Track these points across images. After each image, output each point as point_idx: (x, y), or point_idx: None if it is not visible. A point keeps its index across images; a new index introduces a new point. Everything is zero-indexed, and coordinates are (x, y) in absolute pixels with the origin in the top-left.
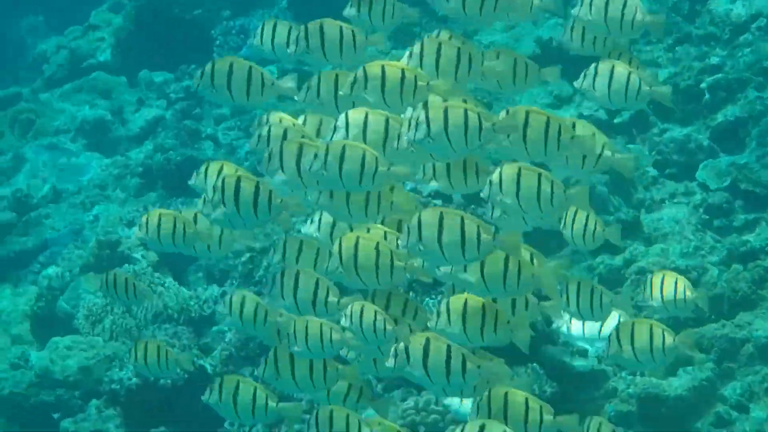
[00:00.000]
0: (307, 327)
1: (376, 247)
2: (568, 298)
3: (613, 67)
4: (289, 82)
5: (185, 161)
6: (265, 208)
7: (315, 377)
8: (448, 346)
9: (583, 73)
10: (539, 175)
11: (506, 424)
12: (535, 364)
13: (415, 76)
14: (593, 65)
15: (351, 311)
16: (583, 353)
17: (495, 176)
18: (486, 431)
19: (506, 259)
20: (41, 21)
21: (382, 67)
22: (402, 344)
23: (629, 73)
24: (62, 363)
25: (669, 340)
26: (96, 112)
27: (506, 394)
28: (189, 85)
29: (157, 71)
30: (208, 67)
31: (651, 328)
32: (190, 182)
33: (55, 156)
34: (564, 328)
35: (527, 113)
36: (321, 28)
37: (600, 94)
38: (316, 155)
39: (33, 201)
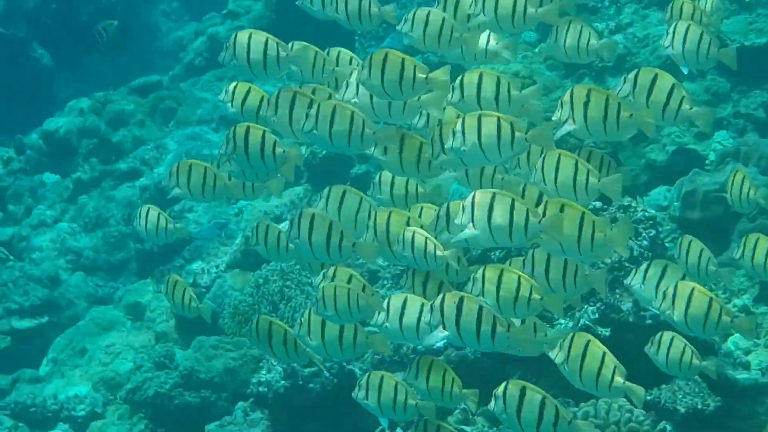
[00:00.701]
0: (335, 292)
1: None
2: (680, 252)
3: (688, 26)
4: (305, 52)
5: (331, 156)
6: (270, 157)
7: (344, 344)
8: (480, 308)
9: (665, 31)
10: (576, 162)
11: (580, 376)
12: (696, 376)
13: (415, 67)
14: (674, 24)
15: (403, 237)
16: (746, 365)
17: (539, 162)
18: (527, 394)
19: (581, 221)
20: (176, 6)
21: (386, 54)
22: (438, 301)
23: (702, 33)
24: (208, 363)
25: (726, 318)
26: None
27: (587, 343)
28: None
29: None
30: (231, 40)
31: (710, 302)
32: (219, 96)
33: (198, 147)
34: (637, 287)
35: (589, 91)
36: None
37: (677, 53)
38: (308, 115)
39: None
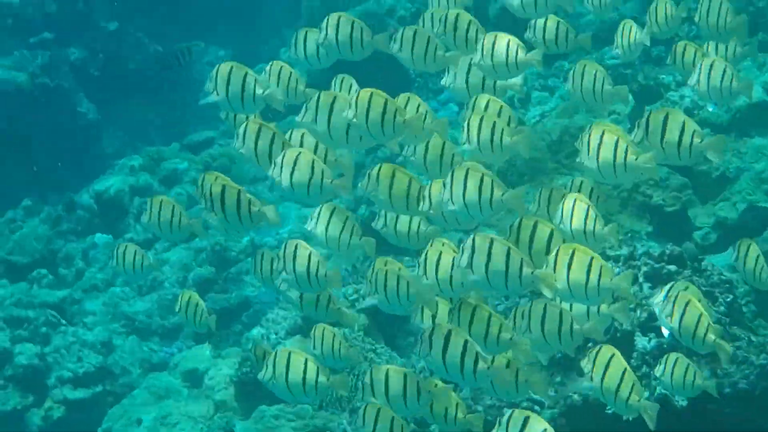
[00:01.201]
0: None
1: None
2: (737, 256)
3: (712, 63)
4: (277, 95)
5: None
6: (247, 217)
7: (307, 387)
8: (465, 342)
9: (694, 68)
10: (587, 207)
11: (601, 389)
12: None
13: (396, 111)
14: (700, 63)
15: (375, 269)
16: None
17: (559, 208)
18: (529, 425)
19: (589, 266)
20: (222, 55)
21: (371, 93)
22: (426, 333)
23: (725, 68)
24: None
25: (710, 337)
26: None
27: (612, 357)
28: None
29: None
30: (213, 72)
31: (699, 317)
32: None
33: None
34: (657, 307)
35: (603, 132)
36: (337, 23)
37: (702, 90)
38: (274, 164)
39: (232, 255)
